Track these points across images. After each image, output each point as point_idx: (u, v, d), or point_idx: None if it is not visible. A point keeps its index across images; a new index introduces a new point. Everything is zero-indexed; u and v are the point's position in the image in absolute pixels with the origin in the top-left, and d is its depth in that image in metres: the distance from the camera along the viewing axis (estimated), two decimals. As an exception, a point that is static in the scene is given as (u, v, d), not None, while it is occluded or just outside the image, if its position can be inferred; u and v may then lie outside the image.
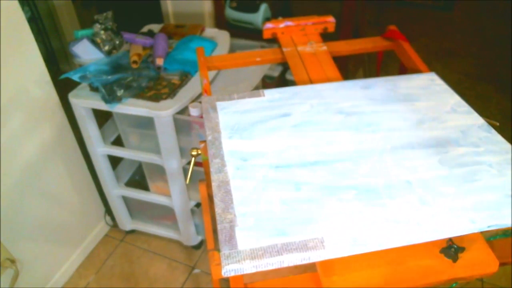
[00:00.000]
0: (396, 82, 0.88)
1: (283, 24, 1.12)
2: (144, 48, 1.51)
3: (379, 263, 0.61)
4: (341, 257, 0.58)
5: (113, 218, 1.81)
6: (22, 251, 1.40)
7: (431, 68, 0.97)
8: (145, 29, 1.70)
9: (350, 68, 2.17)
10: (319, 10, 1.28)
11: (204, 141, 0.82)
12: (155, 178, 1.61)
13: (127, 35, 1.54)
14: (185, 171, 1.46)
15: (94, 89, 1.34)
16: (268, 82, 2.04)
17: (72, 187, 1.59)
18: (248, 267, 0.54)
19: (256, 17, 1.93)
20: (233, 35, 1.72)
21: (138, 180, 1.76)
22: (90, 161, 1.57)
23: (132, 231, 1.83)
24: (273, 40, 1.15)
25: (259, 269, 0.55)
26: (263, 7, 1.92)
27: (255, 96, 0.85)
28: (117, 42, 1.58)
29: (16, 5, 1.20)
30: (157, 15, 2.17)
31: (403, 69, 1.07)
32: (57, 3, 2.43)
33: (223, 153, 0.72)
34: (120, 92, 1.30)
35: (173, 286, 1.63)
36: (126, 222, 1.78)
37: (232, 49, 1.65)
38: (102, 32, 1.55)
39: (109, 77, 1.31)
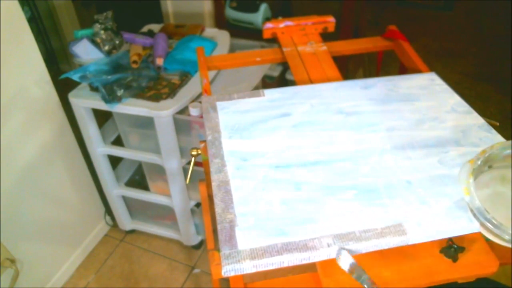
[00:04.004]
0: (396, 82, 0.88)
1: (283, 24, 1.12)
2: (144, 48, 1.51)
3: (379, 263, 0.61)
4: (341, 257, 0.58)
5: (113, 218, 1.81)
6: (22, 251, 1.40)
7: (431, 68, 0.97)
8: (145, 29, 1.70)
9: (350, 68, 2.17)
10: (319, 10, 1.28)
11: (204, 141, 0.82)
12: (155, 178, 1.61)
13: (127, 35, 1.54)
14: (185, 171, 1.46)
15: (94, 89, 1.34)
16: (268, 82, 2.04)
17: (72, 187, 1.59)
18: (248, 267, 0.54)
19: (256, 17, 1.93)
20: (233, 35, 1.72)
21: (138, 180, 1.76)
22: (90, 161, 1.57)
23: (132, 231, 1.83)
24: (273, 40, 1.15)
25: (259, 269, 0.55)
26: (263, 7, 1.92)
27: (255, 96, 0.85)
28: (117, 42, 1.58)
29: (16, 5, 1.20)
30: (157, 15, 2.17)
31: (403, 69, 1.07)
32: (57, 3, 2.43)
33: (223, 153, 0.72)
34: (120, 92, 1.30)
35: (173, 286, 1.63)
36: (126, 222, 1.78)
37: (232, 49, 1.65)
38: (102, 32, 1.55)
39: (109, 77, 1.31)
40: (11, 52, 1.21)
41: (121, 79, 1.32)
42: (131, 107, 1.30)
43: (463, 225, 0.59)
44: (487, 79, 2.63)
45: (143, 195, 1.63)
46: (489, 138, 0.73)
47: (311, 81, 0.95)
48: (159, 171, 1.52)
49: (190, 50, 1.47)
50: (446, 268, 0.60)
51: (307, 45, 1.08)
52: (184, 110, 1.33)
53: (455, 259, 0.60)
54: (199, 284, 1.64)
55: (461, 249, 0.60)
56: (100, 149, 1.51)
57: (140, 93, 1.33)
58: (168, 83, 1.38)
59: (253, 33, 1.91)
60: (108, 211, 1.79)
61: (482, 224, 0.57)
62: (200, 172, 1.41)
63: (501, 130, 0.75)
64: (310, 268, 0.67)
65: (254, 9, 1.93)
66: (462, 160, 0.68)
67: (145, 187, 1.67)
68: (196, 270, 1.68)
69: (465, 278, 0.60)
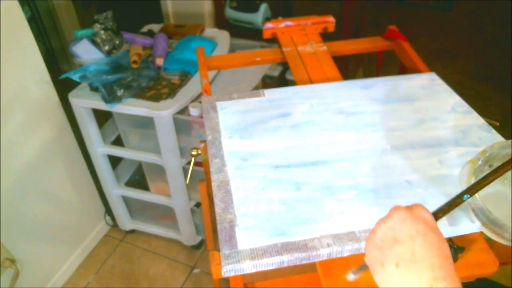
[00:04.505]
0: (396, 82, 0.88)
1: (283, 24, 1.12)
2: (144, 48, 1.51)
3: (379, 263, 0.61)
4: (341, 257, 0.58)
5: (113, 218, 1.81)
6: (22, 251, 1.40)
7: (431, 68, 0.97)
8: (145, 29, 1.70)
9: (350, 68, 2.17)
10: (319, 10, 1.28)
11: (204, 141, 0.82)
12: (155, 178, 1.61)
13: (127, 35, 1.54)
14: (185, 171, 1.46)
15: (94, 89, 1.34)
16: (268, 82, 2.04)
17: (72, 187, 1.59)
18: (248, 267, 0.54)
19: (256, 17, 1.93)
20: (233, 35, 1.72)
21: (138, 180, 1.76)
22: (90, 161, 1.57)
23: (132, 231, 1.83)
24: (273, 40, 1.15)
25: (259, 269, 0.55)
26: (263, 7, 1.92)
27: (255, 96, 0.85)
28: (117, 42, 1.58)
29: (16, 5, 1.20)
30: (157, 15, 2.17)
31: (403, 69, 1.07)
32: (57, 3, 2.43)
33: (223, 153, 0.72)
34: (120, 92, 1.30)
35: (173, 286, 1.63)
36: (126, 222, 1.78)
37: (232, 49, 1.65)
38: (102, 32, 1.55)
39: (109, 77, 1.31)
40: (11, 52, 1.21)
41: (121, 79, 1.32)
42: (131, 107, 1.30)
43: (463, 225, 0.59)
44: (487, 79, 2.63)
45: (143, 195, 1.63)
46: (489, 138, 0.73)
47: (311, 81, 0.95)
48: (159, 171, 1.52)
49: (190, 50, 1.47)
50: (446, 268, 0.60)
51: (307, 45, 1.08)
52: (184, 110, 1.33)
53: (455, 259, 0.60)
54: (199, 284, 1.64)
55: (461, 249, 0.60)
56: (100, 149, 1.51)
57: (140, 93, 1.33)
58: (168, 83, 1.38)
59: (253, 33, 1.91)
60: (108, 211, 1.79)
61: (483, 224, 0.57)
62: (200, 172, 1.41)
63: (501, 130, 0.75)
64: (310, 268, 0.67)
65: (254, 9, 1.93)
66: (462, 160, 0.68)
67: (145, 187, 1.67)
68: (196, 270, 1.68)
69: (465, 278, 0.60)
